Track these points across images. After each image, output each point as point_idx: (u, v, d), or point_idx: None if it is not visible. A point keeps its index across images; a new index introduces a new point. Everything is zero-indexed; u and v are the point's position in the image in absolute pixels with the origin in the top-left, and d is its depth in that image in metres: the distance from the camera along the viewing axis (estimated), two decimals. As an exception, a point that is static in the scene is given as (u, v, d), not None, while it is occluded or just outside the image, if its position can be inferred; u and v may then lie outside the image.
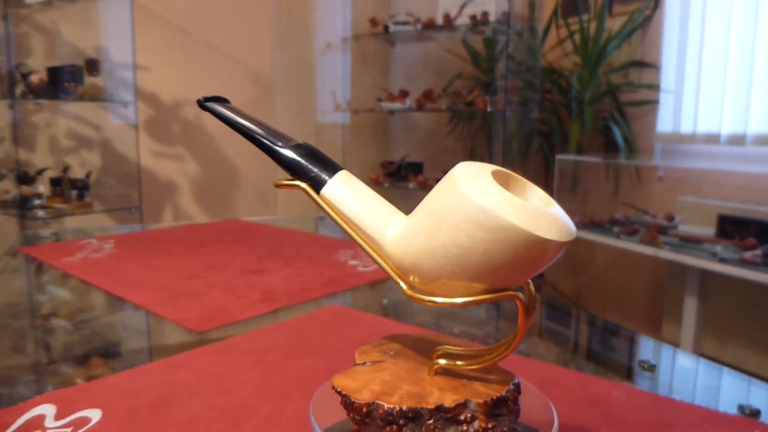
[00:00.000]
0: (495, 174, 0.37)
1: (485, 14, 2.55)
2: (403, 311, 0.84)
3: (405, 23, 2.79)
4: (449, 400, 0.35)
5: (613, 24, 2.69)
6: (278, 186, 0.44)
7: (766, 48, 2.13)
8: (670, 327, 2.37)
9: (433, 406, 0.35)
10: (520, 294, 0.36)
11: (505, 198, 0.34)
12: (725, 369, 0.62)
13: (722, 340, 2.20)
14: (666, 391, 0.59)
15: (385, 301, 0.88)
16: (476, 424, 0.35)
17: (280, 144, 0.43)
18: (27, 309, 0.83)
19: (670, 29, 2.50)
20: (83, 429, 0.48)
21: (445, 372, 0.40)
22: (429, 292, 0.39)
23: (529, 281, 0.38)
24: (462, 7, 2.62)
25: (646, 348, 0.74)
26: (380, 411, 0.35)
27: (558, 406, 0.50)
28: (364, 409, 0.36)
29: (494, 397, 0.36)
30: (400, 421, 0.35)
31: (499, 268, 0.34)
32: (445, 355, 0.40)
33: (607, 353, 0.75)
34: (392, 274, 0.40)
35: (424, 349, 0.43)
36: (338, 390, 0.38)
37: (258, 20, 2.79)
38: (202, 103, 0.47)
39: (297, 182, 0.43)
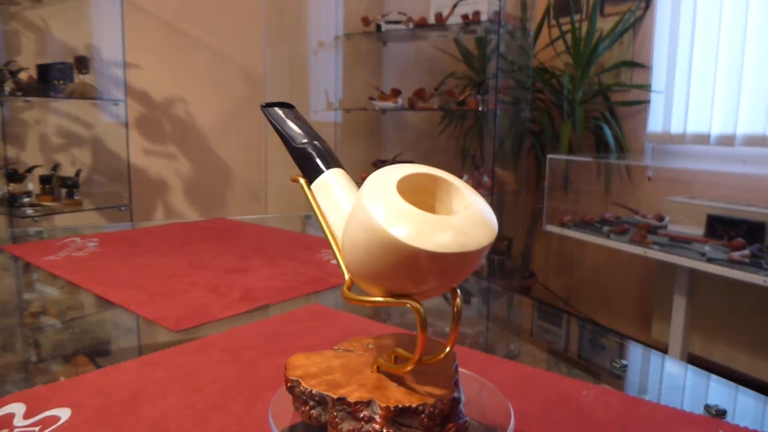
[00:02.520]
0: (417, 177, 0.37)
1: (477, 14, 2.55)
2: (390, 310, 0.84)
3: (397, 22, 2.79)
4: (355, 396, 0.36)
5: (605, 24, 2.70)
6: (292, 180, 0.48)
7: (755, 49, 2.14)
8: (660, 326, 2.39)
9: (336, 396, 0.37)
10: (414, 304, 0.36)
11: (390, 201, 0.34)
12: (698, 370, 0.62)
13: (711, 339, 2.21)
14: (637, 391, 0.59)
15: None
16: (372, 425, 0.36)
17: (297, 143, 0.46)
18: (5, 307, 0.83)
19: (661, 30, 2.51)
20: (51, 428, 0.48)
21: (386, 372, 0.40)
22: (363, 290, 0.40)
23: (458, 294, 0.37)
24: (454, 6, 2.62)
25: (624, 349, 0.74)
26: (298, 389, 0.39)
27: (526, 406, 0.50)
28: (288, 384, 0.39)
29: (399, 406, 0.36)
30: (311, 402, 0.38)
31: (381, 271, 0.35)
32: (396, 357, 0.41)
33: (586, 354, 0.75)
34: (343, 268, 0.41)
35: (403, 347, 0.43)
36: (285, 364, 0.41)
37: (250, 18, 2.79)
38: (263, 108, 0.49)
39: (300, 177, 0.46)
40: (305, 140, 0.46)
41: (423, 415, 0.36)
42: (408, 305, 0.36)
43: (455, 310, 0.37)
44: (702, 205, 2.17)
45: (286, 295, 0.84)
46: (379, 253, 0.34)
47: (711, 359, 2.21)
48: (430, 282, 0.35)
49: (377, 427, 0.36)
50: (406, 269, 0.34)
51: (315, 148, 0.46)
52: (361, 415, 0.36)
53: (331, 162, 0.45)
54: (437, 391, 0.37)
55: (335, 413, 0.37)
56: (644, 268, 2.59)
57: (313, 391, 0.38)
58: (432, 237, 0.33)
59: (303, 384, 0.39)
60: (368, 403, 0.36)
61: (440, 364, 0.41)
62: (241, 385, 0.55)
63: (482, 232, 0.34)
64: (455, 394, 0.37)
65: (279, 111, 0.49)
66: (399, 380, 0.39)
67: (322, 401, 0.38)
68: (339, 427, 0.37)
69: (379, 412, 0.36)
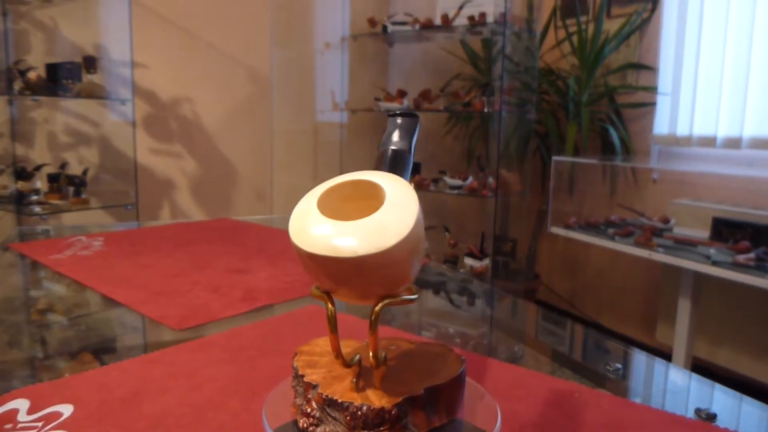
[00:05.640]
0: (362, 183, 0.39)
1: (483, 15, 2.56)
2: (393, 312, 0.85)
3: (403, 23, 2.80)
4: (310, 378, 0.41)
5: (611, 26, 2.69)
6: None
7: (762, 52, 2.14)
8: (665, 329, 2.38)
9: (300, 373, 0.42)
10: (327, 301, 0.39)
11: (307, 204, 0.38)
12: (691, 373, 0.62)
13: (715, 343, 2.21)
14: (630, 394, 0.60)
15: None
16: (307, 405, 0.40)
17: (381, 147, 0.48)
18: (9, 305, 0.84)
19: (667, 32, 2.51)
20: (54, 423, 0.49)
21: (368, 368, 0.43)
22: None
23: (380, 302, 0.38)
24: (460, 7, 2.63)
25: (621, 353, 0.75)
26: (292, 359, 0.45)
27: (516, 408, 0.51)
28: (291, 358, 0.45)
29: (329, 396, 0.38)
30: (293, 374, 0.43)
31: (301, 264, 0.38)
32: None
33: (583, 357, 0.76)
34: None
35: (418, 355, 0.45)
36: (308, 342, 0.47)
37: (257, 19, 2.80)
38: (388, 115, 0.51)
39: None
40: (391, 147, 0.47)
41: (346, 413, 0.38)
42: (321, 298, 0.39)
43: (371, 317, 0.38)
44: (707, 207, 2.16)
45: (287, 296, 0.85)
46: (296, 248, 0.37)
47: (716, 363, 2.21)
48: (325, 282, 0.38)
49: (308, 409, 0.40)
50: (302, 265, 0.37)
51: (387, 153, 0.47)
52: (305, 394, 0.41)
53: (391, 167, 0.46)
54: (376, 397, 0.39)
55: (297, 388, 0.42)
56: (649, 271, 2.59)
57: (294, 365, 0.43)
58: (310, 238, 0.36)
59: (295, 359, 0.44)
60: (314, 386, 0.40)
61: (415, 375, 0.41)
62: (239, 383, 0.56)
63: (364, 241, 0.35)
64: (387, 406, 0.37)
65: (395, 119, 0.50)
66: (367, 378, 0.41)
67: (296, 376, 0.42)
68: (295, 399, 0.42)
69: (316, 396, 0.39)
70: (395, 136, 0.47)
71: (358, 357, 0.42)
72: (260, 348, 0.65)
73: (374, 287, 0.37)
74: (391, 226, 0.36)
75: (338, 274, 0.36)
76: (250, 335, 0.69)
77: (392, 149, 0.46)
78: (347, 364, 0.41)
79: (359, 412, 0.37)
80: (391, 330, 0.74)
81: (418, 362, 0.44)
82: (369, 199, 0.38)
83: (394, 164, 0.45)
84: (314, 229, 0.36)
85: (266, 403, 0.43)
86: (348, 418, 0.38)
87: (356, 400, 0.38)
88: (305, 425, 0.40)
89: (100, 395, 0.53)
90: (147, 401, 0.52)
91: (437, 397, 0.40)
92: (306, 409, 0.40)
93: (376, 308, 0.38)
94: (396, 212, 0.37)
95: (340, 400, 0.38)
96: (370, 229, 0.35)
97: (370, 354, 0.39)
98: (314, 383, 0.40)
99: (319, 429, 0.39)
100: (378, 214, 0.36)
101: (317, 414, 0.39)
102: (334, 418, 0.38)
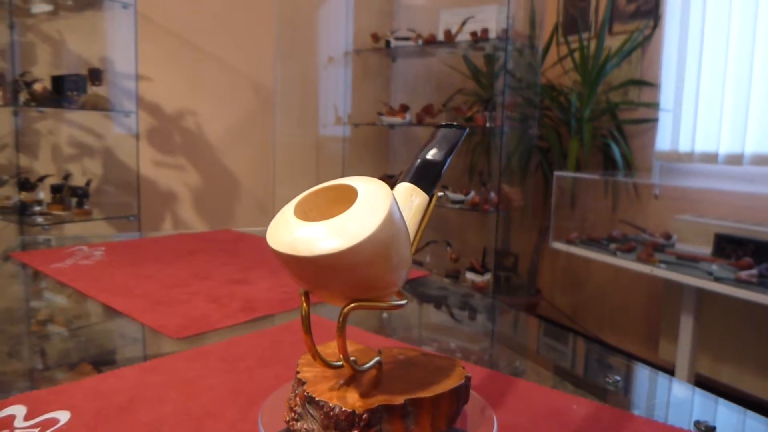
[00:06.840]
0: (343, 187, 0.41)
1: (485, 31, 2.58)
2: (395, 325, 0.84)
3: (406, 38, 2.82)
4: (302, 376, 0.43)
5: (613, 42, 2.71)
6: None
7: (763, 68, 2.15)
8: (667, 345, 2.37)
9: (297, 370, 0.44)
10: (302, 300, 0.40)
11: (287, 207, 0.40)
12: (691, 386, 0.62)
13: (718, 359, 2.19)
14: (629, 406, 0.59)
15: (384, 315, 0.88)
16: (293, 401, 0.42)
17: (416, 155, 0.48)
18: (10, 314, 0.84)
19: (669, 48, 2.52)
20: (50, 430, 0.49)
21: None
22: None
23: (348, 306, 0.39)
24: (463, 23, 2.65)
25: (620, 366, 0.74)
26: (298, 357, 0.47)
27: (515, 419, 0.50)
28: (290, 366, 0.48)
29: (310, 393, 0.40)
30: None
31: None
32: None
33: (582, 370, 0.75)
34: None
35: (421, 367, 0.46)
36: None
37: (261, 33, 2.83)
38: (436, 126, 0.51)
39: None
40: (421, 157, 0.48)
41: (321, 412, 0.39)
42: (300, 297, 0.40)
43: (339, 318, 0.39)
44: (710, 224, 2.16)
45: (285, 306, 0.85)
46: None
47: (719, 380, 2.19)
48: (295, 280, 0.39)
49: (292, 404, 0.42)
50: (282, 265, 0.38)
51: (414, 163, 0.47)
52: (296, 391, 0.42)
53: (415, 177, 0.46)
54: (353, 400, 0.39)
55: (294, 384, 0.44)
56: (651, 287, 2.58)
57: (298, 361, 0.45)
58: (278, 237, 0.37)
59: (302, 357, 0.46)
60: (302, 382, 0.42)
61: (408, 385, 0.41)
62: (236, 393, 0.56)
63: (321, 242, 0.35)
64: (359, 410, 0.38)
65: (440, 129, 0.51)
66: (356, 381, 0.42)
67: (297, 371, 0.44)
68: (288, 394, 0.44)
69: (302, 392, 0.41)
70: (431, 146, 0.48)
71: (340, 362, 0.42)
72: (258, 358, 0.65)
73: (344, 289, 0.38)
74: (351, 229, 0.36)
75: (301, 272, 0.37)
76: (249, 345, 0.69)
77: (421, 159, 0.47)
78: (329, 366, 0.42)
79: (332, 413, 0.38)
80: (395, 342, 0.74)
81: (418, 373, 0.44)
82: (351, 203, 0.39)
83: (420, 174, 0.46)
84: (284, 229, 0.37)
85: (262, 410, 0.43)
86: (322, 417, 0.39)
87: (333, 400, 0.39)
88: (287, 419, 0.41)
89: (97, 403, 0.53)
90: (143, 409, 0.52)
91: (420, 410, 0.39)
92: (292, 405, 0.41)
93: (344, 310, 0.39)
94: (360, 216, 0.37)
95: (317, 399, 0.39)
96: (330, 230, 0.36)
97: (341, 357, 0.40)
98: (304, 380, 0.41)
99: (298, 424, 0.40)
100: (341, 217, 0.37)
101: (299, 410, 0.40)
102: (312, 416, 0.39)
